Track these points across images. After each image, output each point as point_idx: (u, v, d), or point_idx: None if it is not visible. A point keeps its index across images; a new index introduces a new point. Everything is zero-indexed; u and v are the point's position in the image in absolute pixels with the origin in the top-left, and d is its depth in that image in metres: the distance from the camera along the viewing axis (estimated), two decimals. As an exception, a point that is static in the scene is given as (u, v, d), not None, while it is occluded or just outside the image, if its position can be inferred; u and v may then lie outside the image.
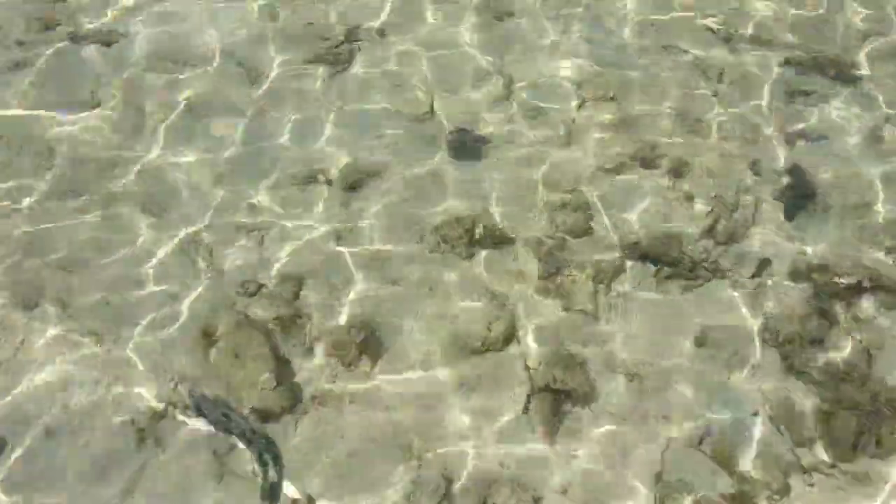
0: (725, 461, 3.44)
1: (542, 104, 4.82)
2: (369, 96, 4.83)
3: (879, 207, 4.37)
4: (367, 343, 3.71)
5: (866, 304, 3.95)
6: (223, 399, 3.51)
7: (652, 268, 4.05)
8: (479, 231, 4.13)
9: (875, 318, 3.91)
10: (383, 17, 5.33)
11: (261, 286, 3.90)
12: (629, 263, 4.06)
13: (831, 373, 3.69)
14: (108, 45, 5.03)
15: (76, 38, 5.04)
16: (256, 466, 3.33)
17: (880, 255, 4.16)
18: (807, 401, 3.62)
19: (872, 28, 5.39)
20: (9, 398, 3.49)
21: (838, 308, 3.92)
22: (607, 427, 3.52)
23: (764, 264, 4.09)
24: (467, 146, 4.57)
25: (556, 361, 3.68)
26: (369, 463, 3.39)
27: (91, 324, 3.75)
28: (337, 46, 5.09)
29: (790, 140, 4.67)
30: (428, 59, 5.06)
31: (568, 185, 4.39)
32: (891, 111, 4.87)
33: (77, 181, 4.33)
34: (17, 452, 3.35)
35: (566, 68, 5.02)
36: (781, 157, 4.58)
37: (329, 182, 4.36)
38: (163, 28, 5.18)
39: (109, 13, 5.26)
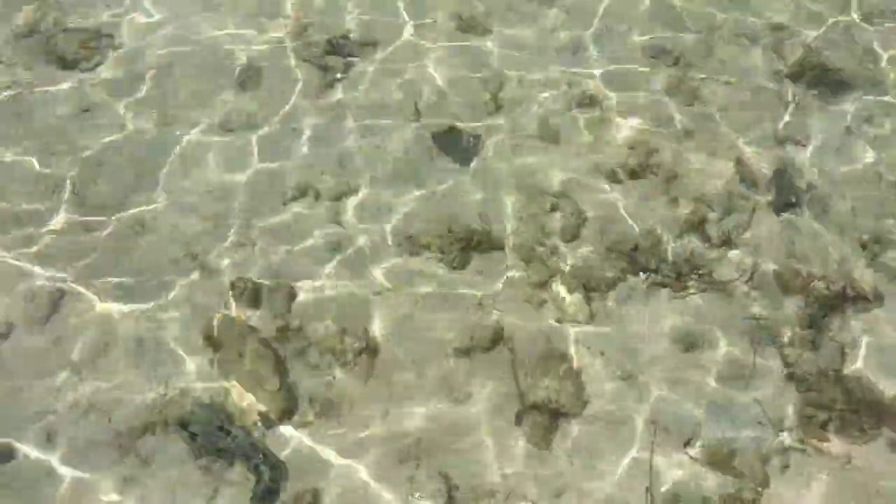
0: (716, 462, 3.57)
1: (532, 107, 4.84)
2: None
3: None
4: (365, 348, 3.79)
5: (849, 308, 4.08)
6: (219, 412, 3.55)
7: (642, 274, 4.12)
8: (469, 236, 4.16)
9: (853, 320, 4.05)
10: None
11: (256, 288, 3.96)
12: (621, 269, 4.12)
13: (816, 373, 3.82)
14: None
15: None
16: (250, 474, 3.40)
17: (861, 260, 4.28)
18: (791, 399, 3.76)
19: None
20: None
21: (826, 313, 4.04)
22: (600, 432, 3.63)
23: (754, 268, 4.17)
24: (459, 146, 4.60)
25: (546, 371, 3.74)
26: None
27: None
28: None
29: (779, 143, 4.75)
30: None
31: (558, 188, 4.43)
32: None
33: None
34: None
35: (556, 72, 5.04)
36: (769, 161, 4.65)
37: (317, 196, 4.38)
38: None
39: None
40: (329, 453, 3.53)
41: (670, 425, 3.66)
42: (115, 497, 3.37)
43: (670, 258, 4.17)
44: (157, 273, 4.03)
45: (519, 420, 3.63)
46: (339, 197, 4.37)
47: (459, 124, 4.69)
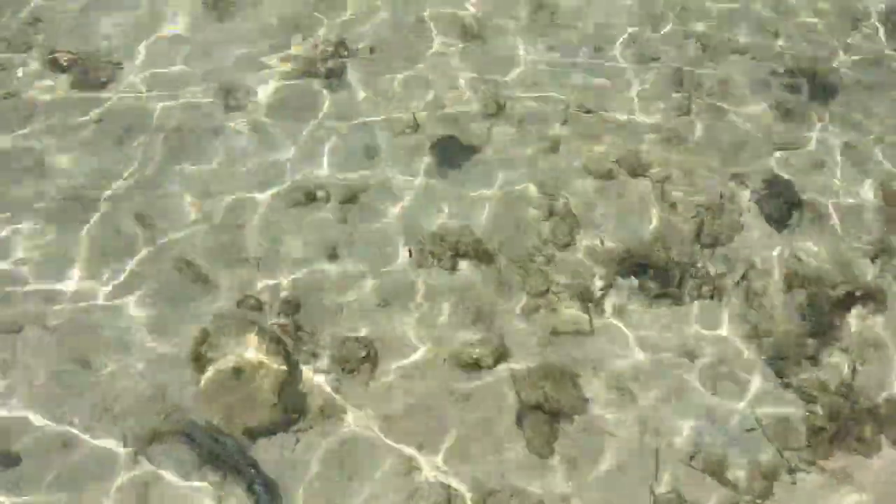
0: (717, 473, 3.55)
1: (527, 114, 4.86)
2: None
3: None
4: (367, 356, 3.80)
5: (855, 313, 4.06)
6: (215, 426, 3.54)
7: (639, 281, 4.12)
8: (465, 245, 4.17)
9: (862, 326, 4.03)
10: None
11: (261, 303, 3.96)
12: (617, 277, 4.12)
13: (819, 381, 3.80)
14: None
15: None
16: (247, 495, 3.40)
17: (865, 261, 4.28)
18: (794, 409, 3.74)
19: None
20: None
21: (830, 318, 4.02)
22: (601, 441, 3.61)
23: (750, 271, 4.17)
24: (454, 155, 4.61)
25: (546, 378, 3.73)
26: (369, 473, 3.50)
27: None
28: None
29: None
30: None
31: (554, 195, 4.44)
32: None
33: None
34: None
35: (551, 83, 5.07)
36: (765, 165, 4.66)
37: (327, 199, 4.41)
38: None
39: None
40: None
41: (671, 435, 3.65)
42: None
43: (668, 264, 4.16)
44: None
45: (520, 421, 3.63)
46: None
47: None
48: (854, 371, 3.86)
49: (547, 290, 4.07)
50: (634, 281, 4.12)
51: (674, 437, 3.64)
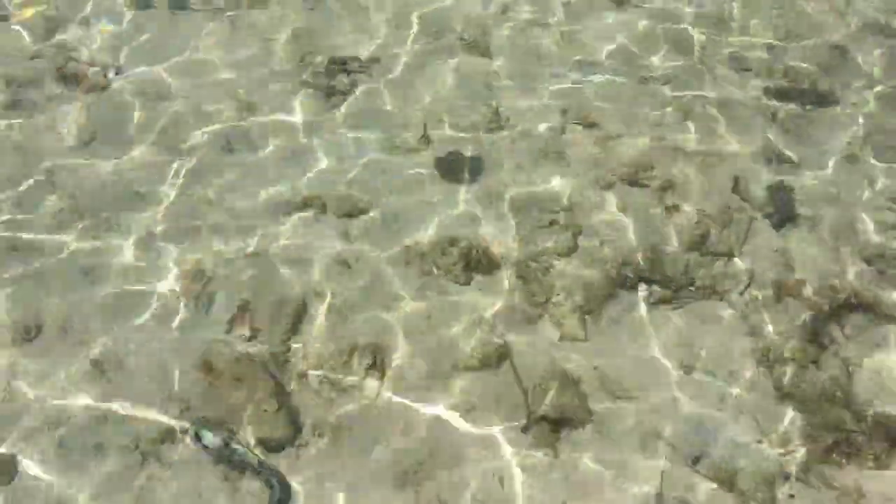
0: (722, 479, 3.52)
1: (530, 126, 4.93)
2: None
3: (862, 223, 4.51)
4: (373, 364, 3.80)
5: (853, 322, 4.05)
6: (227, 426, 3.56)
7: (642, 289, 4.13)
8: (469, 254, 4.19)
9: (859, 335, 4.01)
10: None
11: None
12: (619, 285, 4.13)
13: (818, 392, 3.77)
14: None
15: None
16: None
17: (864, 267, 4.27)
18: (794, 420, 3.71)
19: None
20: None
21: (828, 326, 4.02)
22: (605, 448, 3.60)
23: (753, 281, 4.17)
24: (459, 167, 4.66)
25: (550, 386, 3.74)
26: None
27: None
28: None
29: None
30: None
31: (556, 204, 4.48)
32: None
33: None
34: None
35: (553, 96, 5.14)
36: (766, 175, 4.71)
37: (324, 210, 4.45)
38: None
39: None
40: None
41: (677, 442, 3.63)
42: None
43: (668, 271, 4.17)
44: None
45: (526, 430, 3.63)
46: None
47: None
48: (851, 377, 3.84)
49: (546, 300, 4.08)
50: (639, 289, 4.13)
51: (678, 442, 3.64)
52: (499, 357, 3.85)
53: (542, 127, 4.94)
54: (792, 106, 5.15)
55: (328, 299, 4.04)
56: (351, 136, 4.84)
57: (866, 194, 4.67)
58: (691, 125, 5.01)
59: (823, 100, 5.21)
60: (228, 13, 5.63)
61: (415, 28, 5.58)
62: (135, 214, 4.38)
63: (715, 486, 3.48)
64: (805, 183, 4.69)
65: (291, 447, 3.54)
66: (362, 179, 4.61)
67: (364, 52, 5.37)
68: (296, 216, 4.40)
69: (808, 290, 4.14)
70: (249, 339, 3.86)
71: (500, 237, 4.33)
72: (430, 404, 3.70)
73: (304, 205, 4.44)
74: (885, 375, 3.87)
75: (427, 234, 4.34)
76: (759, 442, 3.63)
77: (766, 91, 5.25)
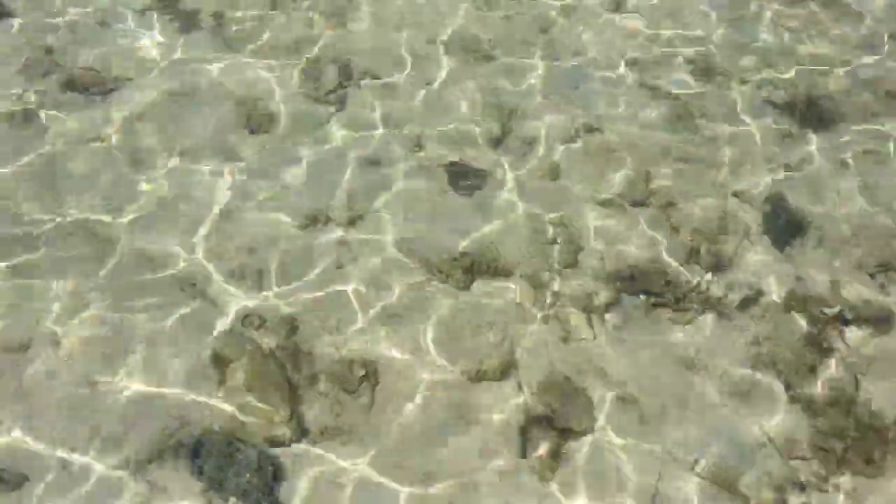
0: (725, 484, 3.52)
1: (532, 138, 4.93)
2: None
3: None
4: (367, 376, 3.78)
5: (854, 332, 4.07)
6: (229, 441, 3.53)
7: (642, 299, 4.14)
8: (475, 262, 4.22)
9: (861, 345, 4.03)
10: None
11: (263, 320, 3.96)
12: (621, 295, 4.15)
13: (822, 399, 3.79)
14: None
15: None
16: None
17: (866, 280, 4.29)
18: (800, 426, 3.72)
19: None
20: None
21: (828, 336, 4.04)
22: (605, 452, 3.60)
23: (753, 292, 4.19)
24: (466, 179, 4.68)
25: (552, 390, 3.75)
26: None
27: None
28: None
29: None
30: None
31: (559, 216, 4.50)
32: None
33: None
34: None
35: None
36: (765, 186, 4.73)
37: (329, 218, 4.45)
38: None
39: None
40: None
41: (675, 449, 3.63)
42: None
43: (670, 282, 4.20)
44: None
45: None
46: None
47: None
48: (858, 384, 3.86)
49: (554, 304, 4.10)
50: (636, 299, 4.15)
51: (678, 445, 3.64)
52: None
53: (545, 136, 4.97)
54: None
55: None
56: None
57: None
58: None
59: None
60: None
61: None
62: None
63: (715, 488, 3.49)
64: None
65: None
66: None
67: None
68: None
69: (811, 301, 4.17)
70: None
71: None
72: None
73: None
74: (888, 384, 3.89)
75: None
76: (764, 446, 3.65)
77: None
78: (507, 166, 4.76)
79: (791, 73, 5.42)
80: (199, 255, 4.22)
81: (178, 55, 5.32)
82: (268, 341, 3.87)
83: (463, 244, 4.34)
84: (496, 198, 4.60)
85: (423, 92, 5.18)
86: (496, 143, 4.90)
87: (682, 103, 5.17)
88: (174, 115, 4.91)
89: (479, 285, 4.17)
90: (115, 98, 4.99)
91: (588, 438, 3.64)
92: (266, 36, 5.50)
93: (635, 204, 4.59)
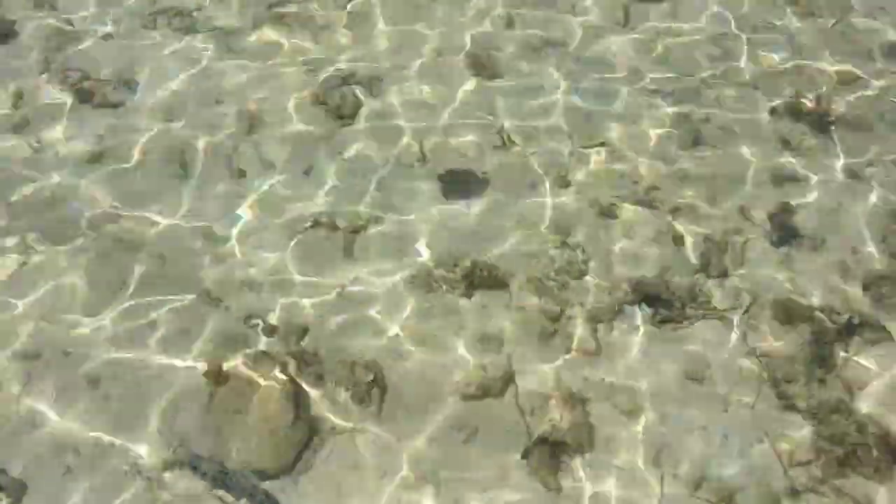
0: (726, 498, 3.54)
1: (535, 146, 4.97)
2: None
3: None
4: (374, 383, 3.82)
5: (855, 340, 4.07)
6: (219, 459, 3.56)
7: (647, 309, 4.16)
8: (476, 272, 4.23)
9: (861, 353, 4.03)
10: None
11: (273, 328, 4.03)
12: (626, 305, 4.16)
13: (823, 407, 3.80)
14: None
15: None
16: None
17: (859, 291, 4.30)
18: (801, 433, 3.74)
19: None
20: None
21: (830, 345, 4.04)
22: (607, 466, 3.62)
23: (755, 300, 4.20)
24: (462, 186, 4.71)
25: (555, 403, 3.77)
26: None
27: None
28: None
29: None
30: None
31: (564, 225, 4.53)
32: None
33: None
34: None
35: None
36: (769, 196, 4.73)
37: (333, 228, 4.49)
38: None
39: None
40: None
41: (678, 461, 3.65)
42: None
43: (673, 290, 4.21)
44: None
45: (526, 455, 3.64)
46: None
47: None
48: (855, 394, 3.87)
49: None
50: (642, 310, 4.18)
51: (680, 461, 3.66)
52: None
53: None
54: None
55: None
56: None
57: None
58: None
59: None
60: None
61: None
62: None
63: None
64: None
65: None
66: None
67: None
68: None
69: (811, 310, 4.17)
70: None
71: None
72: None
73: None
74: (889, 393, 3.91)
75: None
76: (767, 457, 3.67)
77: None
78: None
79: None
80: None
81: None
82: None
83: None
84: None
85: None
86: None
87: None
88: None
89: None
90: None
91: (588, 453, 3.67)
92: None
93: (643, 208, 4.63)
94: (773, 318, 4.14)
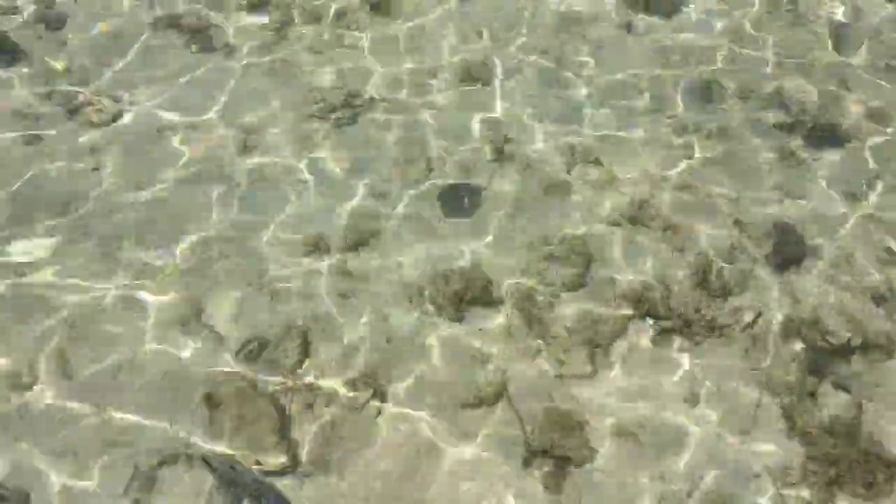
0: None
1: (534, 160, 4.96)
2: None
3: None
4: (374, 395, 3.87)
5: (857, 360, 4.07)
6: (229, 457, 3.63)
7: (649, 325, 4.16)
8: (469, 289, 4.22)
9: (864, 372, 4.02)
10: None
11: (263, 345, 4.04)
12: (627, 321, 4.16)
13: (823, 428, 3.79)
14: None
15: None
16: None
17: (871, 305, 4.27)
18: (798, 454, 3.74)
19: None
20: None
21: (830, 365, 4.04)
22: (603, 483, 3.64)
23: (758, 318, 4.20)
24: (461, 200, 4.71)
25: (551, 423, 3.77)
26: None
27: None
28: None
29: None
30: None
31: (561, 238, 4.51)
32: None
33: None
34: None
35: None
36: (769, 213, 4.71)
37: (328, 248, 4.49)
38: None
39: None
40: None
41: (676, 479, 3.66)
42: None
43: (676, 308, 4.20)
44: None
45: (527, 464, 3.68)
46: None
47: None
48: (857, 412, 3.85)
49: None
50: (645, 324, 4.18)
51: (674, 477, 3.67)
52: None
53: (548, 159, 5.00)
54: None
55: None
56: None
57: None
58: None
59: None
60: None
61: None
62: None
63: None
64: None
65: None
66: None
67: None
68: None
69: (813, 327, 4.16)
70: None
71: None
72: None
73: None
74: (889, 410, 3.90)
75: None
76: (757, 476, 3.68)
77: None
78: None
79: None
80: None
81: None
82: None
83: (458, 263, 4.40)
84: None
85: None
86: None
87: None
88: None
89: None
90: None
91: (587, 467, 3.69)
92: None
93: (641, 226, 4.63)
94: (777, 335, 4.15)
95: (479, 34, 5.76)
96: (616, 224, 4.61)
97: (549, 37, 5.78)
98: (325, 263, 4.42)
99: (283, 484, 3.61)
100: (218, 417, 3.76)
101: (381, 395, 3.89)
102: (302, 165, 4.93)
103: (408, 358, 4.04)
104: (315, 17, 5.88)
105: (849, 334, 4.08)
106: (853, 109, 5.32)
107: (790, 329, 4.16)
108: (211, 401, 3.81)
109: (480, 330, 4.14)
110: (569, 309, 4.22)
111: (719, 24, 5.92)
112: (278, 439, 3.67)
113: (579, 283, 4.32)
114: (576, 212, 4.68)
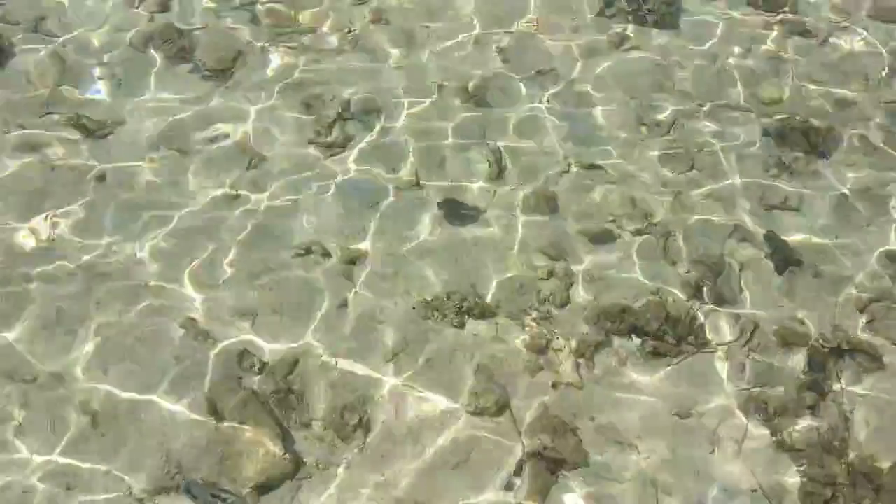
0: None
1: (527, 173, 4.97)
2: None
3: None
4: (360, 422, 3.86)
5: (848, 368, 4.07)
6: (214, 484, 3.62)
7: (636, 340, 4.15)
8: (466, 303, 4.24)
9: (855, 382, 4.03)
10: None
11: (263, 363, 4.05)
12: (614, 336, 4.16)
13: (815, 443, 3.78)
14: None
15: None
16: None
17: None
18: (791, 473, 3.74)
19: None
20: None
21: (825, 374, 4.04)
22: (598, 495, 3.65)
23: (750, 330, 4.19)
24: (458, 214, 4.72)
25: (547, 430, 3.79)
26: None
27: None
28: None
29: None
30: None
31: (553, 254, 4.52)
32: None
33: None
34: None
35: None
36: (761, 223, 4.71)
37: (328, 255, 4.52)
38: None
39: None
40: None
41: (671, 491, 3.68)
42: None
43: (666, 320, 4.19)
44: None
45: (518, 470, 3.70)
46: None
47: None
48: (848, 424, 3.86)
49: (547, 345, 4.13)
50: (633, 340, 4.17)
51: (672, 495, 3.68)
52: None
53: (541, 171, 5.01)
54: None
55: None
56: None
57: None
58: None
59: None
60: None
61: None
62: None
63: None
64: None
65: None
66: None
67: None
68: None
69: (805, 337, 4.17)
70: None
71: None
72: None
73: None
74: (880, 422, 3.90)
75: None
76: (755, 491, 3.68)
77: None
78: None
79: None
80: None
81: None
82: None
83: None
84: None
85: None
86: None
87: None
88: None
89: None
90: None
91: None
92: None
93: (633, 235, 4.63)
94: (766, 345, 4.14)
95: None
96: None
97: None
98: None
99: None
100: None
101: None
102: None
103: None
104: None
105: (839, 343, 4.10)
106: None
107: (783, 338, 4.18)
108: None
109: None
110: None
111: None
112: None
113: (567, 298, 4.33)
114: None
